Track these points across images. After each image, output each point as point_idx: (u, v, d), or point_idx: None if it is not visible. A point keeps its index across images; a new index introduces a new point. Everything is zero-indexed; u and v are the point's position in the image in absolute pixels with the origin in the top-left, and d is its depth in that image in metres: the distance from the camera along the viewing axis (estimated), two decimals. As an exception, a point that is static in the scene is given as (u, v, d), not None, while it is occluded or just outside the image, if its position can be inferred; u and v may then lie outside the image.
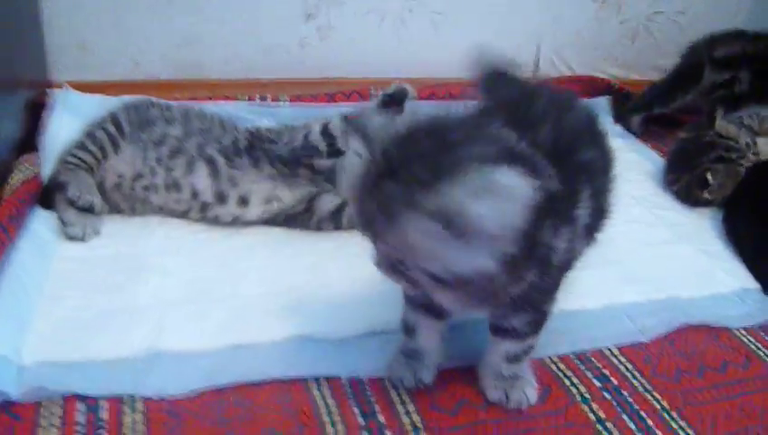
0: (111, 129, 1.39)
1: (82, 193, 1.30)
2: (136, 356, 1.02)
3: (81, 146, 1.37)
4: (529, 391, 1.00)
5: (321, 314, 1.14)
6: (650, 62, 2.15)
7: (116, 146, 1.37)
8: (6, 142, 1.43)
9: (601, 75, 2.11)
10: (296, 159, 1.35)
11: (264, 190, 1.34)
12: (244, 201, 1.33)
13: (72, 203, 1.29)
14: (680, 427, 1.00)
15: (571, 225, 0.85)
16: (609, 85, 2.01)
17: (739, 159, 1.54)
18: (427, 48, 1.98)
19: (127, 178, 1.35)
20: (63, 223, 1.28)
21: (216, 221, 1.35)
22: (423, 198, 0.71)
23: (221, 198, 1.33)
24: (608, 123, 1.96)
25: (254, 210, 1.34)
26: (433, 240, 0.72)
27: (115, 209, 1.37)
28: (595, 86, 2.01)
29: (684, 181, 1.59)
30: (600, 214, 0.95)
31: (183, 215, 1.35)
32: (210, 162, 1.34)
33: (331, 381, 1.02)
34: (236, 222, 1.35)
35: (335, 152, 1.35)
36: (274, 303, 1.16)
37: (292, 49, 1.90)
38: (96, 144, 1.37)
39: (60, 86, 1.70)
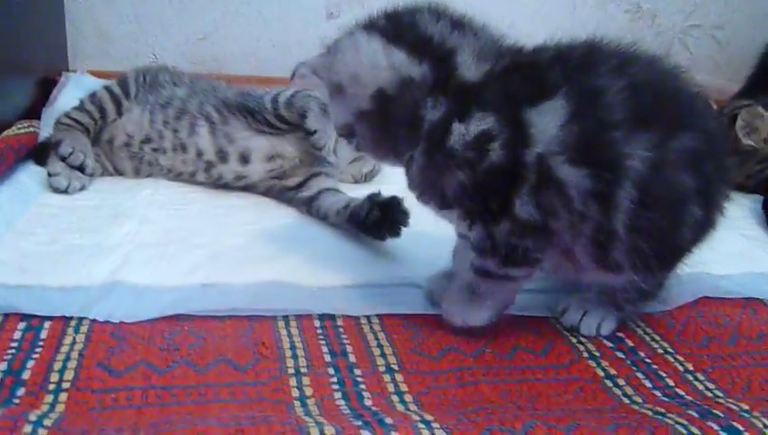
0: (116, 90, 1.36)
1: (75, 150, 1.25)
2: (91, 284, 0.93)
3: (79, 107, 1.34)
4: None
5: (302, 264, 1.04)
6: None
7: (119, 106, 1.34)
8: (15, 109, 1.41)
9: (636, 90, 2.01)
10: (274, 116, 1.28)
11: (263, 148, 1.27)
12: (244, 159, 1.27)
13: (63, 159, 1.24)
14: (706, 388, 0.85)
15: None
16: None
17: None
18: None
19: (135, 139, 1.32)
20: (49, 174, 1.22)
21: (223, 183, 1.29)
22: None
23: (222, 157, 1.27)
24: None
25: (258, 167, 1.27)
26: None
27: (118, 170, 1.33)
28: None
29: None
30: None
31: (191, 177, 1.30)
32: (208, 119, 1.29)
33: (303, 319, 0.91)
34: (242, 181, 1.29)
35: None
36: (254, 251, 1.07)
37: (312, 48, 1.83)
38: (95, 104, 1.33)
39: (75, 72, 1.69)
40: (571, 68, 0.81)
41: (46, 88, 1.57)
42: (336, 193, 1.23)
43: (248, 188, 1.30)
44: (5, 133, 1.28)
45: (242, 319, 0.90)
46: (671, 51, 2.02)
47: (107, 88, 1.36)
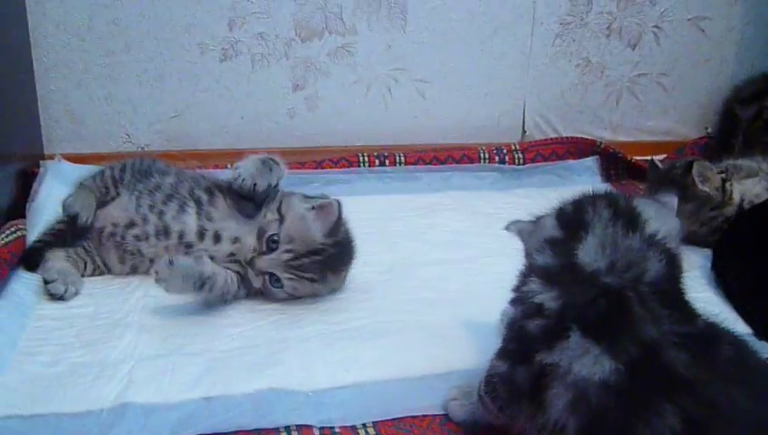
0: (117, 173, 1.45)
1: (76, 202, 1.39)
2: (102, 408, 1.00)
3: (92, 177, 1.45)
4: None
5: (296, 367, 1.12)
6: (636, 124, 2.18)
7: (116, 189, 1.43)
8: (-4, 209, 1.45)
9: (587, 137, 2.13)
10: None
11: (231, 228, 1.33)
12: (217, 237, 1.32)
13: (63, 208, 1.39)
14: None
15: None
16: (594, 145, 2.03)
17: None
18: (413, 115, 2.02)
19: (120, 226, 1.37)
20: (45, 281, 1.28)
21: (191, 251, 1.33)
22: None
23: (201, 235, 1.33)
24: (596, 183, 1.97)
25: (225, 247, 1.32)
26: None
27: (105, 265, 1.39)
28: (581, 146, 2.03)
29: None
30: None
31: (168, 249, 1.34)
32: (198, 202, 1.36)
33: (303, 429, 0.99)
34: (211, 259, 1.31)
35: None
36: (249, 356, 1.14)
37: (280, 119, 1.94)
38: (103, 182, 1.44)
39: (52, 157, 1.73)
40: None
41: (26, 181, 1.61)
42: None
43: None
44: (-3, 243, 1.33)
45: (247, 432, 0.98)
46: (620, 99, 2.14)
47: (110, 168, 1.46)
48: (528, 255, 0.94)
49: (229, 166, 1.77)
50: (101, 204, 1.41)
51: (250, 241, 1.30)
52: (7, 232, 1.39)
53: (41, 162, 1.70)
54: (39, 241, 1.39)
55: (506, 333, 0.92)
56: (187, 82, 1.86)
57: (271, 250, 1.26)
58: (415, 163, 1.91)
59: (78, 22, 1.76)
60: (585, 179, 1.97)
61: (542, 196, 1.87)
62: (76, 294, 1.30)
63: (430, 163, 1.92)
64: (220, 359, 1.13)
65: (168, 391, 1.04)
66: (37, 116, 1.78)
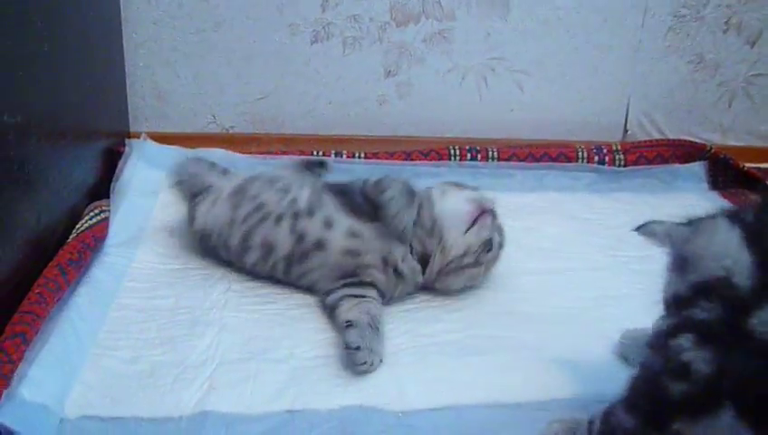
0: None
1: None
2: (182, 415, 0.94)
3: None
4: None
5: (386, 383, 1.04)
6: (749, 128, 2.01)
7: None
8: (80, 188, 1.42)
9: (695, 141, 1.97)
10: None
11: (346, 222, 1.21)
12: (328, 223, 1.21)
13: None
14: None
15: None
16: (704, 149, 1.87)
17: None
18: (509, 108, 1.91)
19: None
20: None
21: (301, 239, 1.21)
22: None
23: (311, 211, 1.21)
24: (702, 190, 1.83)
25: (337, 236, 1.19)
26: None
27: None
28: (688, 150, 1.88)
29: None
30: None
31: (277, 221, 1.22)
32: (301, 187, 1.27)
33: (392, 456, 0.92)
34: (320, 246, 1.20)
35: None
36: (335, 367, 1.07)
37: (370, 106, 1.86)
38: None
39: (138, 136, 1.70)
40: None
41: (111, 160, 1.58)
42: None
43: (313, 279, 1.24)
44: (79, 227, 1.30)
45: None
46: (734, 100, 1.97)
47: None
48: (676, 277, 0.77)
49: (315, 152, 1.72)
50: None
51: (368, 234, 1.19)
52: (91, 214, 1.36)
53: (126, 140, 1.67)
54: None
55: (639, 379, 0.80)
56: (275, 64, 1.79)
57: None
58: (508, 159, 1.80)
59: (169, -2, 1.71)
60: (690, 186, 1.83)
61: (642, 202, 1.75)
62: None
63: (525, 160, 1.80)
64: (305, 368, 1.06)
65: (250, 400, 0.98)
66: (125, 93, 1.75)
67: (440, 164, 1.76)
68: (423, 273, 1.22)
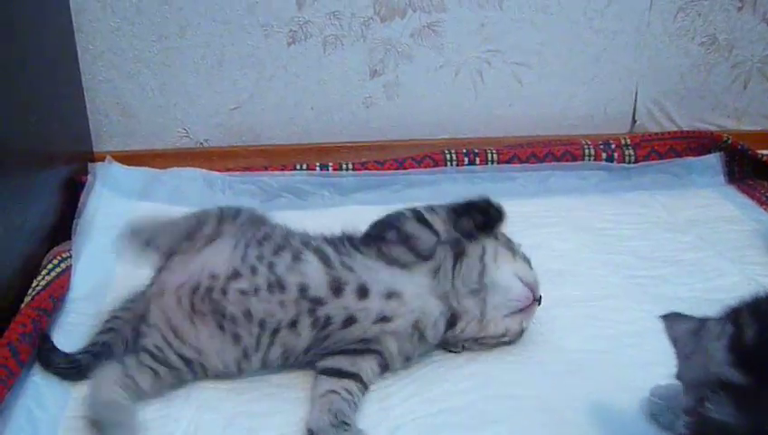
0: (227, 211, 1.13)
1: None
2: None
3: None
4: None
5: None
6: (766, 110, 1.86)
7: (218, 226, 1.10)
8: (36, 231, 1.27)
9: (708, 127, 1.83)
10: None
11: (383, 281, 1.04)
12: (363, 291, 1.02)
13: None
14: None
15: None
16: (720, 140, 1.73)
17: None
18: (507, 103, 1.76)
19: (221, 278, 1.02)
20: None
21: (327, 323, 1.02)
22: None
23: (337, 289, 1.02)
24: (719, 184, 1.70)
25: (375, 302, 1.02)
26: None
27: (184, 355, 1.01)
28: (702, 142, 1.74)
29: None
30: None
31: (291, 323, 1.01)
32: (318, 252, 1.06)
33: None
34: (350, 322, 1.02)
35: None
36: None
37: (355, 109, 1.70)
38: (202, 215, 1.12)
39: (102, 158, 1.55)
40: None
41: (73, 192, 1.43)
42: None
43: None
44: (36, 286, 1.15)
45: None
46: (749, 82, 1.83)
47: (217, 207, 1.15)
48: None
49: (298, 165, 1.57)
50: (182, 251, 1.08)
51: (410, 293, 1.03)
52: (50, 266, 1.20)
53: (89, 166, 1.52)
54: (85, 352, 1.04)
55: None
56: (249, 70, 1.63)
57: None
58: (509, 161, 1.66)
59: (126, 3, 1.54)
60: (706, 180, 1.71)
61: (656, 203, 1.62)
62: None
63: (527, 161, 1.67)
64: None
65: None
66: (84, 110, 1.58)
67: (435, 171, 1.63)
68: (445, 332, 1.08)
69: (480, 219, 1.13)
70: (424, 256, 1.07)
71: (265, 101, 1.66)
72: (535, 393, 1.03)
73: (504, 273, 1.09)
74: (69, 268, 1.23)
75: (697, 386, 0.71)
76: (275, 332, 1.01)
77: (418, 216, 1.09)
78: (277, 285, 1.01)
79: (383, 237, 1.07)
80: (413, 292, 1.04)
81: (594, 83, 1.77)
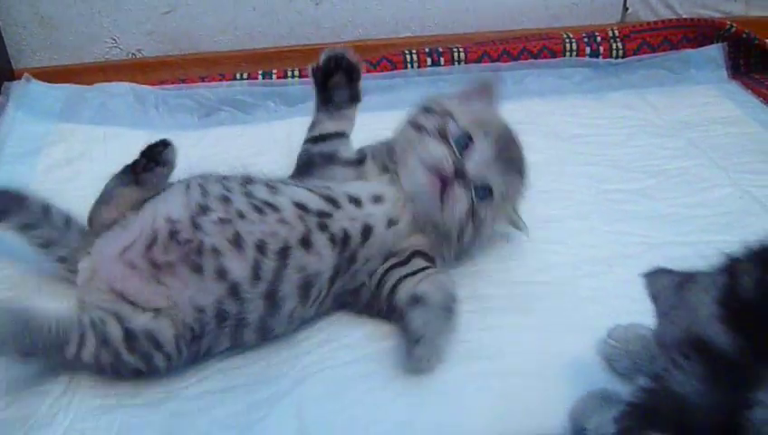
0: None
1: None
2: None
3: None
4: None
5: None
6: (777, -10, 1.64)
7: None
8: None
9: (712, 14, 1.61)
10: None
11: (363, 188, 0.94)
12: (355, 201, 0.91)
13: None
14: None
15: None
16: (722, 28, 1.52)
17: None
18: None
19: (184, 218, 0.84)
20: None
21: (346, 237, 0.89)
22: None
23: (333, 202, 0.90)
24: (720, 80, 1.50)
25: (373, 208, 0.92)
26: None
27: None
28: (702, 31, 1.53)
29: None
30: None
31: (303, 242, 0.86)
32: (286, 182, 0.95)
33: None
34: (369, 233, 0.90)
35: None
36: None
37: (303, 8, 1.51)
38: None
39: (22, 76, 1.39)
40: None
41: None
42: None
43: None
44: None
45: None
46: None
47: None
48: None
49: (240, 74, 1.40)
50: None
51: (391, 194, 0.93)
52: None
53: (3, 85, 1.36)
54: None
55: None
56: (181, -33, 1.44)
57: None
58: (478, 60, 1.48)
59: None
60: (706, 75, 1.52)
61: (645, 102, 1.44)
62: None
63: (498, 60, 1.49)
64: None
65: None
66: (-2, 23, 1.42)
67: (394, 75, 1.45)
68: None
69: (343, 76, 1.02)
70: (359, 161, 0.99)
71: (202, 2, 1.47)
72: (473, 337, 0.89)
73: (408, 167, 0.94)
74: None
75: (671, 348, 0.57)
76: (284, 253, 0.84)
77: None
78: (268, 206, 0.86)
79: (313, 163, 1.00)
80: (390, 192, 0.94)
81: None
